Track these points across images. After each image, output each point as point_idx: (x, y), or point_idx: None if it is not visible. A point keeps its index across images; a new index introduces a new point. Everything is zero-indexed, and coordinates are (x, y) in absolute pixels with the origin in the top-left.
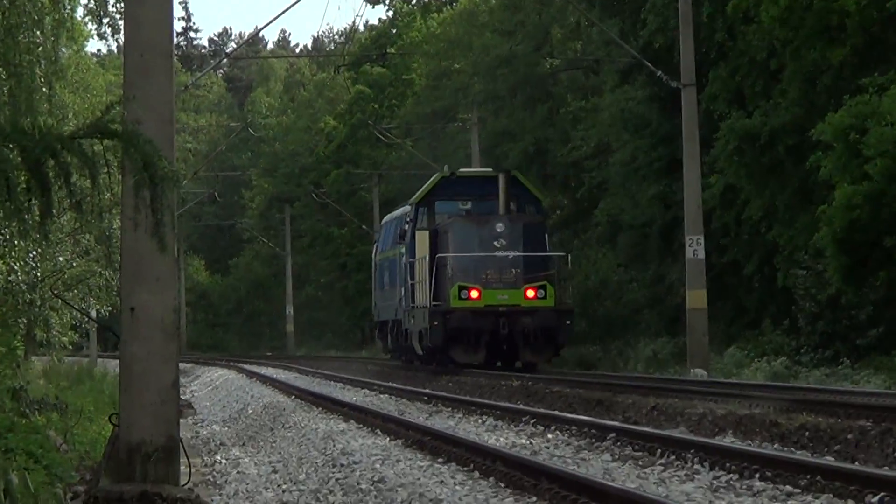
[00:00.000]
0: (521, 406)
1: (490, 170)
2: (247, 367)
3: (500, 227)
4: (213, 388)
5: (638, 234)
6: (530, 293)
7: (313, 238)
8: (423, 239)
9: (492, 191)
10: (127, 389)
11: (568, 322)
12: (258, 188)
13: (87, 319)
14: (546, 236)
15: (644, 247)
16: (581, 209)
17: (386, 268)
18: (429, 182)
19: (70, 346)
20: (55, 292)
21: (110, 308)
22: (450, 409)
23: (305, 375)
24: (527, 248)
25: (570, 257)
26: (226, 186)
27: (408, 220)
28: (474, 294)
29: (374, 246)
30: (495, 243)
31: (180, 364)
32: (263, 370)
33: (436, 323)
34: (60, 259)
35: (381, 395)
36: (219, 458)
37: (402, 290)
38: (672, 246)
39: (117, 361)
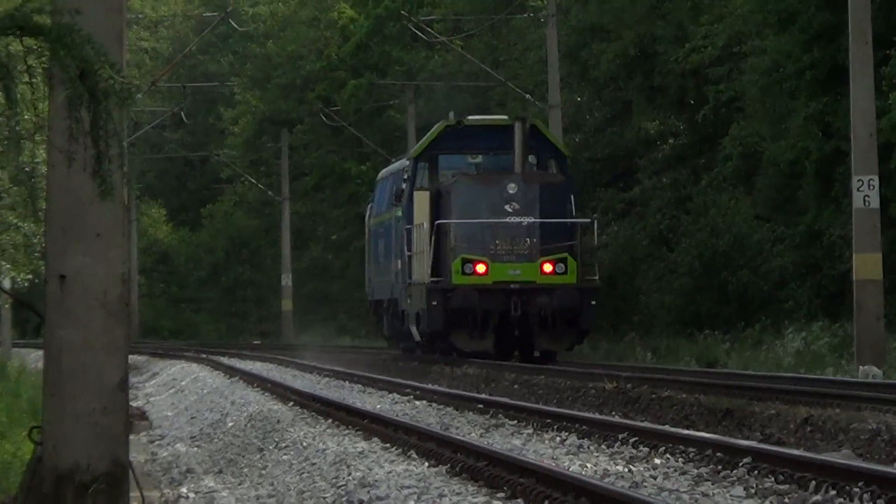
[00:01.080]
0: (617, 418)
1: (504, 117)
2: (225, 360)
3: (512, 187)
4: (176, 390)
5: (784, 174)
6: (548, 267)
7: (321, 177)
8: (422, 201)
9: (504, 142)
10: (55, 393)
11: (593, 302)
12: (243, 106)
13: None
14: (570, 199)
15: (792, 192)
16: (703, 137)
17: (381, 235)
18: (430, 132)
19: None
20: None
21: (31, 276)
22: (515, 421)
23: (308, 373)
24: (545, 212)
25: (596, 225)
26: (197, 103)
27: (405, 177)
28: (481, 268)
29: (368, 207)
30: (507, 207)
31: (131, 356)
32: (249, 365)
33: (435, 303)
34: None
35: (418, 402)
36: (185, 490)
37: (399, 262)
38: (832, 191)
39: (41, 352)
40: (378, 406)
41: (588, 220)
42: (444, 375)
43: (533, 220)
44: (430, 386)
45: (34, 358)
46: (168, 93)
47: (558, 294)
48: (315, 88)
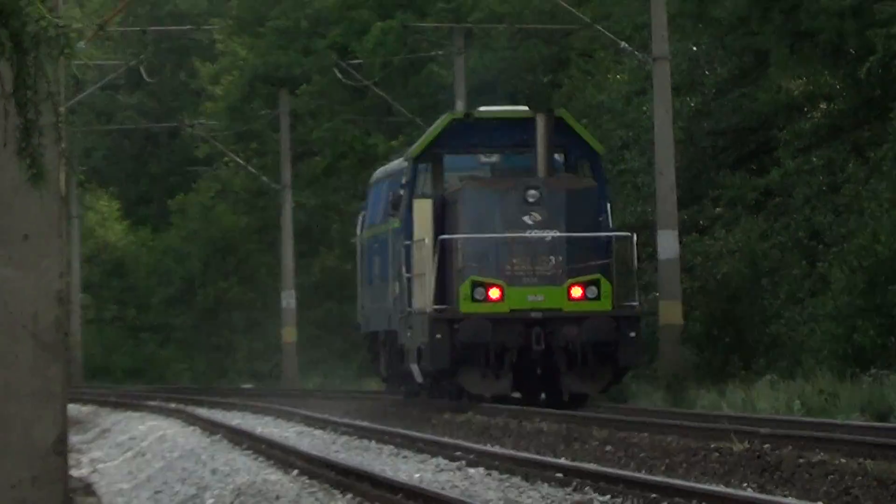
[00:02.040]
0: (750, 492)
1: (525, 108)
2: (204, 412)
3: (533, 194)
4: (136, 454)
5: None
6: (576, 292)
7: (336, 157)
8: (423, 211)
9: (524, 138)
10: None
11: (632, 334)
12: (227, 59)
13: None
14: (605, 207)
15: None
16: (867, 101)
17: (375, 252)
18: (434, 126)
19: None
20: None
21: None
22: (607, 496)
23: (320, 428)
24: (573, 224)
25: (635, 239)
26: (163, 55)
27: (404, 181)
28: (495, 293)
29: (360, 216)
30: (526, 218)
31: (72, 406)
32: (237, 419)
33: (439, 336)
34: None
35: (471, 470)
36: None
37: (397, 286)
38: None
39: None
40: (417, 475)
41: (626, 233)
42: (509, 433)
43: (558, 233)
44: (488, 447)
45: None
46: (122, 40)
47: (590, 324)
48: (327, 34)
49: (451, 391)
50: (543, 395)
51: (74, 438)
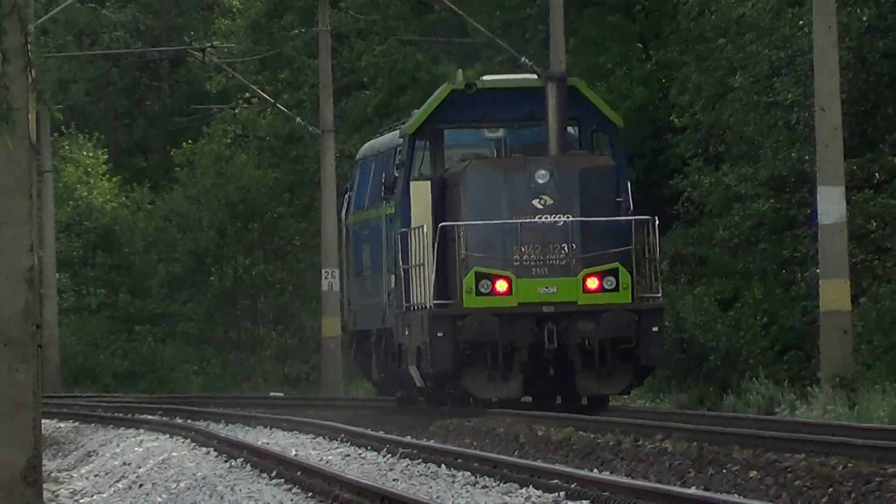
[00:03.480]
0: None
1: (532, 77)
2: (220, 429)
3: (542, 174)
4: (130, 484)
5: None
6: (592, 283)
7: (392, 93)
8: (421, 195)
9: (532, 111)
10: None
11: (655, 329)
12: None
13: None
14: (626, 187)
15: None
16: None
17: (364, 239)
18: (431, 98)
19: None
20: None
21: None
22: None
23: (374, 450)
24: (588, 208)
25: (656, 223)
26: None
27: (398, 160)
28: (502, 286)
29: (345, 198)
30: (536, 202)
31: (48, 422)
32: (264, 438)
33: (441, 334)
34: None
35: (572, 503)
36: None
37: (392, 279)
38: None
39: None
40: None
41: (646, 216)
42: (622, 454)
43: (571, 218)
44: (595, 473)
45: None
46: None
47: (608, 319)
48: None
49: (454, 396)
50: (559, 399)
51: (49, 464)
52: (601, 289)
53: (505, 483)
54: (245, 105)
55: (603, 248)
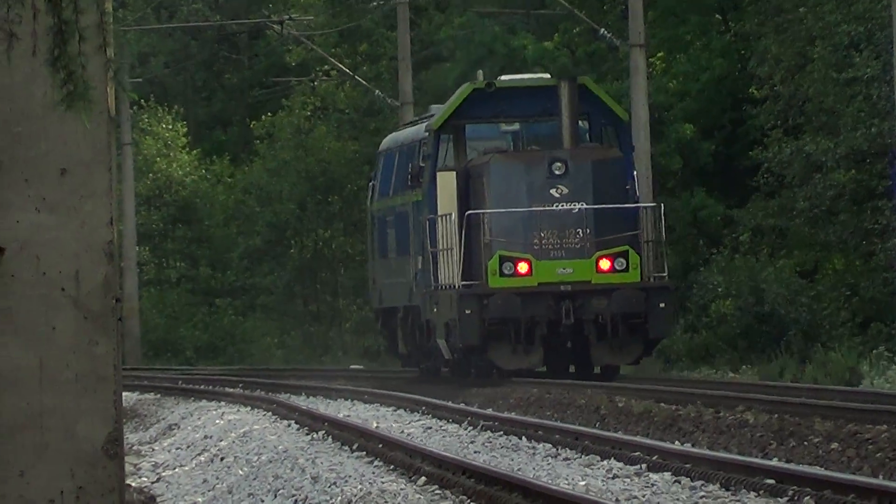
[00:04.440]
0: None
1: (546, 76)
2: (301, 401)
3: (559, 166)
4: (212, 456)
5: None
6: (605, 264)
7: (471, 63)
8: (447, 185)
9: (547, 106)
10: None
11: (662, 305)
12: None
13: None
14: (633, 176)
15: None
16: None
17: (390, 224)
18: (454, 96)
19: None
20: None
21: None
22: None
23: (455, 422)
24: (600, 196)
25: (662, 209)
26: None
27: (424, 153)
28: (523, 267)
29: (370, 186)
30: (552, 191)
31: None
32: (345, 411)
33: (468, 312)
34: None
35: (653, 475)
36: None
37: (419, 261)
38: None
39: None
40: (582, 483)
41: (653, 203)
42: (703, 426)
43: (585, 205)
44: (676, 446)
45: None
46: None
47: (619, 296)
48: None
49: (478, 367)
50: (572, 368)
51: (131, 437)
52: (613, 269)
53: (586, 455)
54: (324, 78)
55: (614, 232)
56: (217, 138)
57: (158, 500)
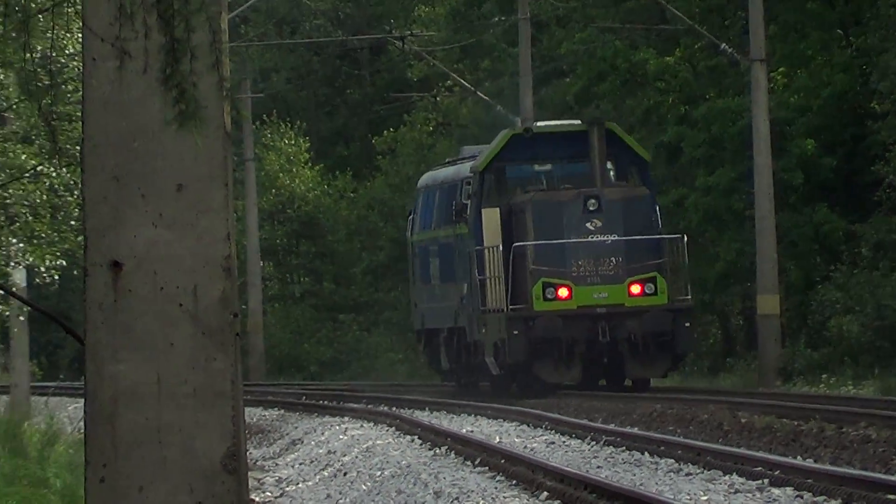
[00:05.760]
0: None
1: (577, 122)
2: (424, 417)
3: (593, 203)
4: (335, 472)
5: None
6: (635, 289)
7: (593, 78)
8: (492, 220)
9: (578, 149)
10: (106, 478)
11: (687, 324)
12: None
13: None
14: (656, 212)
15: None
16: None
17: (433, 254)
18: (496, 141)
19: None
20: None
21: (62, 263)
22: None
23: (576, 438)
24: (630, 228)
25: (685, 240)
26: None
27: (467, 191)
28: (563, 292)
29: (409, 219)
30: (588, 225)
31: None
32: (468, 426)
33: (516, 332)
34: None
35: (775, 490)
36: None
37: (466, 287)
38: None
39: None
40: (704, 498)
41: (677, 235)
42: (825, 441)
43: (617, 237)
44: (798, 461)
45: (71, 413)
46: None
47: (649, 317)
48: None
49: (521, 381)
50: (603, 382)
51: (255, 452)
52: (643, 293)
53: (708, 470)
54: (446, 93)
55: (643, 260)
56: (339, 154)
57: None
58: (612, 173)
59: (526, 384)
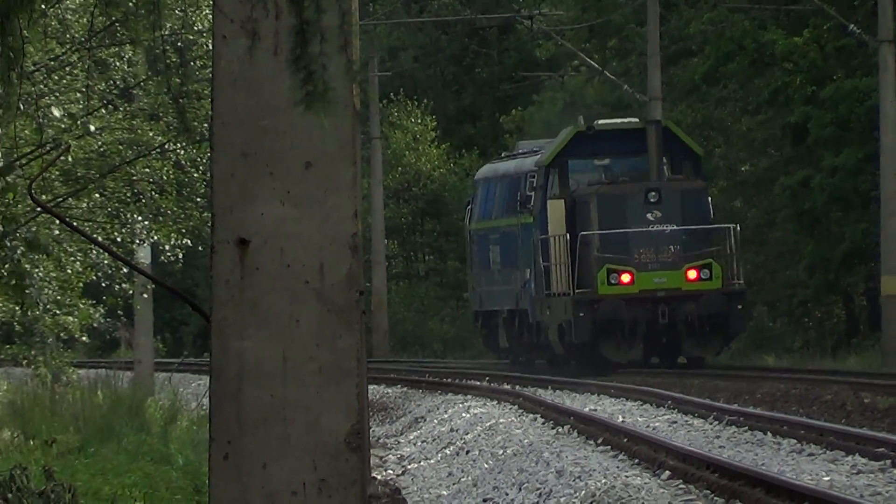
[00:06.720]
0: None
1: (636, 120)
2: (548, 395)
3: (653, 195)
4: (457, 450)
5: None
6: (692, 274)
7: (721, 59)
8: (557, 211)
9: (636, 146)
10: (230, 454)
11: (739, 307)
12: None
13: (127, 270)
14: (708, 202)
15: None
16: None
17: (493, 241)
18: (560, 137)
19: (84, 339)
20: (38, 200)
21: (187, 241)
22: None
23: (699, 418)
24: (687, 219)
25: (738, 228)
26: None
27: (532, 184)
28: (626, 278)
29: (467, 209)
30: (648, 215)
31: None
32: (591, 404)
33: (582, 314)
34: (56, 113)
35: None
36: None
37: (530, 272)
38: None
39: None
40: (826, 479)
41: (731, 224)
42: None
43: (675, 227)
44: None
45: (195, 390)
46: None
47: (705, 300)
48: None
49: (584, 360)
50: (656, 359)
51: (377, 430)
52: (699, 278)
53: (831, 451)
54: (573, 73)
55: (699, 248)
56: (466, 132)
57: (403, 492)
58: (665, 167)
59: (586, 362)
